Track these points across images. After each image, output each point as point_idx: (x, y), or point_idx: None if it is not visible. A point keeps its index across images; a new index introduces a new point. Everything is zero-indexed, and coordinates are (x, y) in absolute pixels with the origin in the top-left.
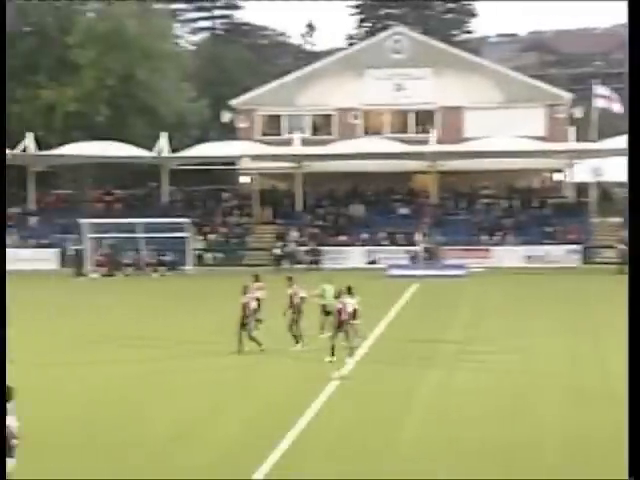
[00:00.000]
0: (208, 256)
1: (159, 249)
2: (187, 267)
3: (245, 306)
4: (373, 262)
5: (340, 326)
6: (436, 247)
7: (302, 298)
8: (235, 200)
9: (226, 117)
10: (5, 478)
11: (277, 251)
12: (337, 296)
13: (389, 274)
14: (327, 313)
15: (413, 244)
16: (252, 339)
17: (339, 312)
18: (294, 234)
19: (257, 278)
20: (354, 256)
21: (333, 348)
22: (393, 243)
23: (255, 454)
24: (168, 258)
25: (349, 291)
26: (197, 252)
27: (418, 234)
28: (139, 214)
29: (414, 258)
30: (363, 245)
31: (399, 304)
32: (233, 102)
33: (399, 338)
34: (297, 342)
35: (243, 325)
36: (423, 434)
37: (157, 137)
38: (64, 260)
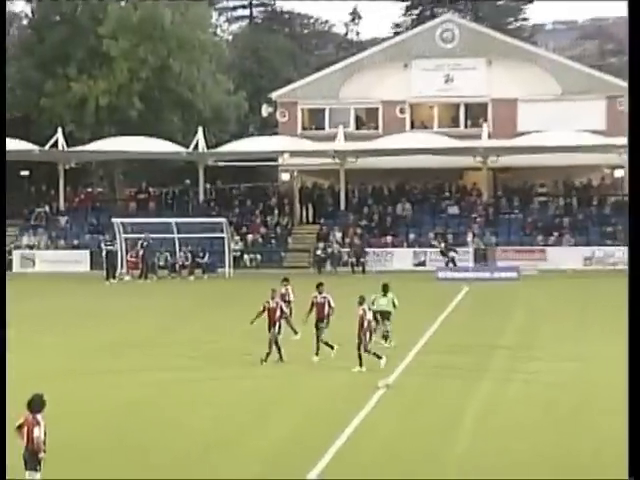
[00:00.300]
0: (246, 258)
1: (195, 250)
2: (224, 269)
3: (273, 311)
4: (421, 264)
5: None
6: (488, 248)
7: (331, 307)
8: (275, 199)
9: (265, 111)
10: (5, 478)
11: (319, 253)
12: (360, 303)
13: (438, 277)
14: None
15: (463, 245)
16: (275, 345)
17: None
18: (337, 235)
19: (286, 281)
20: (401, 258)
21: (361, 357)
22: (442, 244)
23: (299, 464)
24: (204, 260)
25: (362, 301)
26: (235, 254)
27: (469, 234)
28: (174, 213)
29: (451, 262)
30: (410, 246)
31: (448, 309)
32: (273, 95)
33: (448, 345)
34: (331, 348)
35: (273, 329)
36: (474, 446)
37: (193, 132)
38: (95, 262)
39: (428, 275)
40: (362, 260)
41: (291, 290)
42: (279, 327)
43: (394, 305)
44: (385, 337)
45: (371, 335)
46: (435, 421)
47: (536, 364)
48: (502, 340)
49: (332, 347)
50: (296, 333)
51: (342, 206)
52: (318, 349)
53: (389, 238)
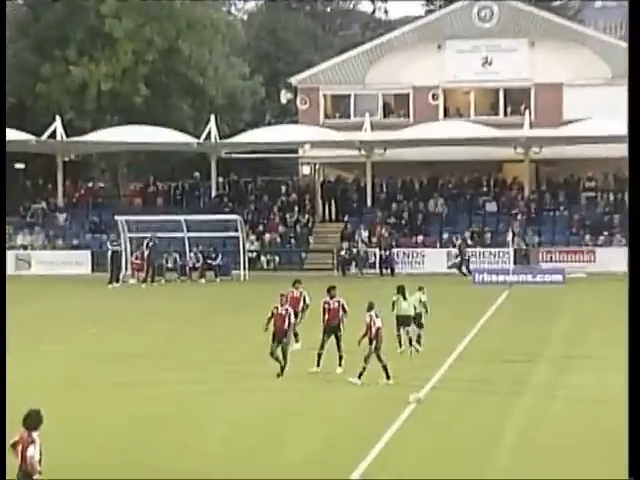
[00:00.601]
0: (263, 259)
1: (207, 251)
2: (239, 272)
3: (282, 318)
4: (456, 266)
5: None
6: (530, 249)
7: (345, 312)
8: (294, 194)
9: (284, 97)
10: (5, 478)
11: (343, 253)
12: (368, 309)
13: (475, 280)
14: (403, 324)
15: (503, 245)
16: (275, 357)
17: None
18: (363, 234)
19: (296, 284)
20: (434, 259)
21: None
22: (479, 244)
23: None
24: (217, 262)
25: (370, 307)
26: (250, 254)
27: (509, 233)
28: (183, 210)
29: (463, 265)
30: (444, 246)
31: (486, 315)
32: (292, 80)
33: (486, 355)
34: (339, 364)
35: (279, 342)
36: (514, 465)
37: (204, 121)
38: (97, 263)
39: (464, 278)
40: (391, 262)
41: (306, 293)
42: (288, 337)
43: (425, 309)
44: (411, 343)
45: (378, 344)
46: (472, 438)
47: (583, 377)
48: (545, 349)
49: (341, 360)
50: (297, 342)
51: (369, 202)
52: (341, 359)
53: (420, 237)
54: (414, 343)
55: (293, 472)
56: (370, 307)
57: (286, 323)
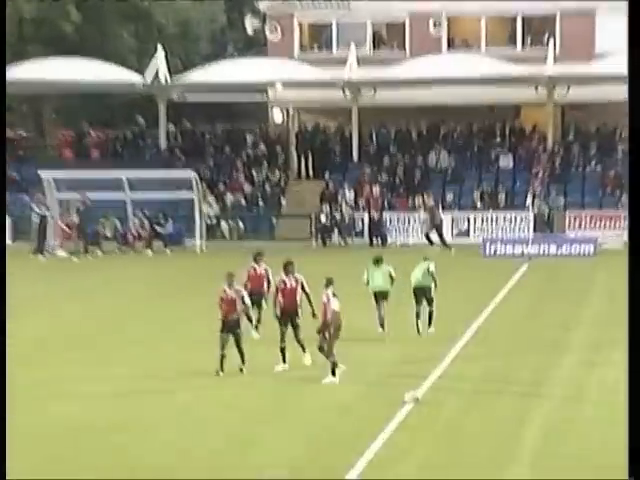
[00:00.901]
0: (224, 226)
1: (154, 216)
2: (194, 242)
3: (231, 303)
4: (463, 234)
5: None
6: (554, 213)
7: (306, 293)
8: (263, 145)
9: (250, 26)
10: (5, 478)
11: (323, 219)
12: (327, 285)
13: (486, 252)
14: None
15: (520, 208)
16: (222, 354)
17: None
18: (348, 195)
19: (258, 258)
20: None
21: (335, 365)
22: (492, 206)
23: None
24: (167, 229)
25: (328, 283)
26: (209, 220)
27: (528, 195)
28: (125, 165)
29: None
30: (448, 210)
31: (498, 296)
32: (261, 4)
33: (498, 346)
34: (303, 351)
35: (229, 332)
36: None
37: (150, 53)
38: (17, 231)
39: (473, 249)
40: (382, 229)
41: (269, 271)
42: (240, 325)
43: (434, 281)
44: (381, 324)
45: (334, 332)
46: (479, 450)
47: (619, 372)
48: (573, 337)
49: (304, 350)
50: (256, 328)
51: (355, 156)
52: (303, 348)
53: (419, 199)
54: (420, 323)
55: None
56: (328, 283)
57: (237, 308)
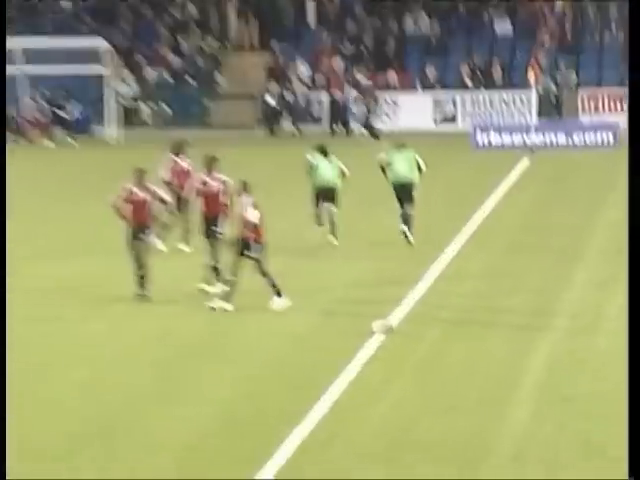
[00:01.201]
0: (144, 110)
1: (54, 96)
2: (106, 130)
3: (141, 206)
4: (449, 120)
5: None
6: (563, 92)
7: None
8: (193, 6)
9: None
10: (5, 478)
11: (270, 100)
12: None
13: (477, 142)
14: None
15: (520, 87)
16: (139, 277)
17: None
18: (302, 69)
19: (179, 149)
20: (413, 109)
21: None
22: (484, 85)
23: (237, 458)
24: (71, 113)
25: (243, 189)
26: (125, 102)
27: (531, 68)
28: (15, 31)
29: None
30: (428, 89)
31: (492, 200)
32: None
33: (490, 265)
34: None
35: (138, 238)
36: (535, 433)
37: None
38: None
39: (461, 139)
40: (345, 112)
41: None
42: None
43: (420, 170)
44: (332, 231)
45: (246, 246)
46: (466, 393)
47: None
48: (584, 252)
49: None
50: (162, 240)
51: (310, 19)
52: (217, 272)
53: (392, 75)
54: (404, 227)
55: (196, 431)
56: (243, 189)
57: (149, 214)
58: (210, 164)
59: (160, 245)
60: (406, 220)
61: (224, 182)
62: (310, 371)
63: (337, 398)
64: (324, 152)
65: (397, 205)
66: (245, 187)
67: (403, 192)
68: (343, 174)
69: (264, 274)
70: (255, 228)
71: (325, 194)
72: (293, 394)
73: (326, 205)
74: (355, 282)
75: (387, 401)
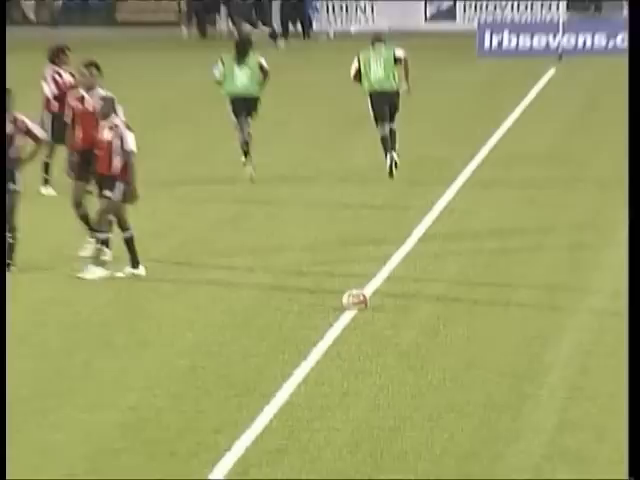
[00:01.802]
0: (28, 4)
1: None
2: None
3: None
4: (443, 16)
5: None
6: None
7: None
8: None
9: None
10: (5, 478)
11: None
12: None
13: (483, 46)
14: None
15: None
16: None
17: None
18: None
19: (61, 54)
20: (396, 2)
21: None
22: None
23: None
24: None
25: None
26: None
27: None
28: None
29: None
30: None
31: (505, 126)
32: None
33: (497, 220)
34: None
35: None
36: (541, 420)
37: None
38: None
39: (462, 41)
40: (304, 11)
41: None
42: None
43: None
44: (245, 151)
45: (130, 192)
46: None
47: None
48: (614, 204)
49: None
50: (46, 182)
51: None
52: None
53: None
54: (393, 155)
55: (129, 420)
56: (107, 113)
57: (16, 149)
58: (87, 67)
59: (48, 190)
60: (389, 143)
61: (104, 99)
62: (253, 366)
63: (290, 400)
64: (243, 51)
65: (375, 124)
66: (108, 108)
67: (383, 104)
68: (265, 74)
69: (123, 227)
70: (127, 160)
71: (237, 105)
72: (232, 395)
73: (240, 119)
74: (307, 245)
75: (359, 402)
